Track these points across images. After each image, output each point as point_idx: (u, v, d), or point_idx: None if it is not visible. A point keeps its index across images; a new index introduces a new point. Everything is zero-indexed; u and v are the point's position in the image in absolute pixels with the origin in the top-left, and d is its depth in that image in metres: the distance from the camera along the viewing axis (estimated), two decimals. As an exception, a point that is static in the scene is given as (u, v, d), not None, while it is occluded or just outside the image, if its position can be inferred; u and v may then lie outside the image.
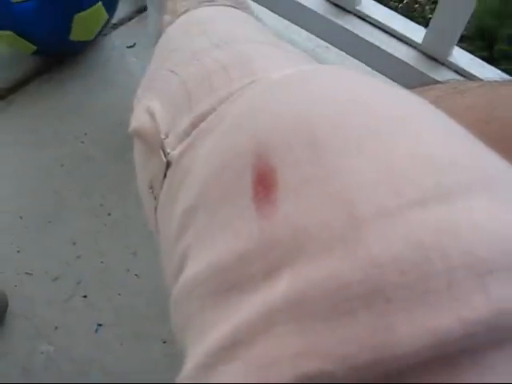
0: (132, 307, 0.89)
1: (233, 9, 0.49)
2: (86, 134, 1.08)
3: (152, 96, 0.38)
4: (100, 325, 0.87)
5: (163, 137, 0.34)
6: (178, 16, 0.49)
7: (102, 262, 0.93)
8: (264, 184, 0.22)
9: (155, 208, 0.35)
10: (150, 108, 0.36)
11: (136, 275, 0.92)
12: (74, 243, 0.94)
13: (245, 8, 0.51)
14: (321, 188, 0.21)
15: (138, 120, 0.37)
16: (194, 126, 0.32)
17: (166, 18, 0.53)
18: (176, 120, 0.34)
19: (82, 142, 1.07)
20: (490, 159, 0.23)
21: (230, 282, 0.22)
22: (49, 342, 0.85)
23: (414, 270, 0.18)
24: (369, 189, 0.20)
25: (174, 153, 0.32)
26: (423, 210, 0.19)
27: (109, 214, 0.98)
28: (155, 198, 0.35)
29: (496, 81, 0.52)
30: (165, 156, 0.33)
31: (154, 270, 0.92)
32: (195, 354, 0.23)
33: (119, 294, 0.90)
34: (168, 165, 0.33)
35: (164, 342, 0.85)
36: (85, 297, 0.89)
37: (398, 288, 0.18)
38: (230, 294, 0.22)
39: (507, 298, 0.18)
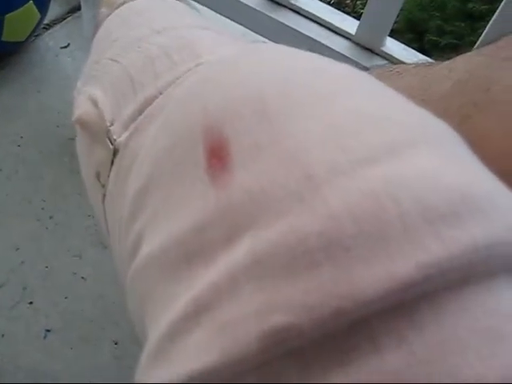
0: (80, 311, 0.87)
1: None
2: (21, 137, 1.05)
3: (94, 85, 0.38)
4: (48, 330, 0.85)
5: (108, 124, 0.33)
6: (116, 8, 0.48)
7: (46, 267, 0.91)
8: (217, 154, 0.23)
9: (103, 196, 0.35)
10: (92, 96, 0.36)
11: (82, 278, 0.90)
12: (17, 249, 0.92)
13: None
14: (274, 151, 0.21)
15: (81, 108, 0.36)
16: (140, 111, 0.32)
17: (103, 11, 0.52)
18: (121, 107, 0.33)
19: (19, 146, 1.04)
20: (426, 116, 0.24)
21: (190, 252, 0.22)
22: (-5, 351, 0.83)
23: (369, 218, 0.19)
24: (319, 147, 0.21)
25: (120, 139, 0.32)
26: (373, 166, 0.20)
27: (50, 217, 0.96)
28: (103, 186, 0.35)
29: (429, 62, 0.54)
30: (111, 143, 0.33)
31: (101, 271, 0.91)
32: (158, 326, 0.23)
33: (66, 298, 0.88)
34: (115, 152, 0.33)
35: (115, 344, 0.84)
36: (31, 303, 0.87)
37: (356, 237, 0.18)
38: (190, 264, 0.22)
39: (457, 241, 0.18)
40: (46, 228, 0.95)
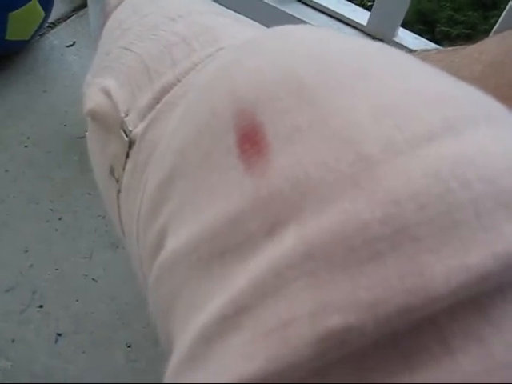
0: (91, 314, 0.85)
1: None
2: (28, 137, 1.03)
3: (106, 76, 0.35)
4: (59, 334, 0.83)
5: (123, 115, 0.31)
6: None
7: (56, 269, 0.89)
8: (251, 140, 0.20)
9: (118, 192, 0.33)
10: (105, 87, 0.34)
11: (93, 280, 0.88)
12: (26, 251, 0.90)
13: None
14: (317, 131, 0.19)
15: (93, 100, 0.34)
16: (158, 99, 0.30)
17: (111, 1, 0.50)
18: (136, 97, 0.31)
19: (26, 146, 1.02)
20: (478, 93, 0.22)
21: (224, 246, 0.20)
22: (6, 357, 0.81)
23: (436, 202, 0.16)
24: (371, 125, 0.18)
25: (136, 130, 0.30)
26: (434, 145, 0.18)
27: (59, 219, 0.94)
28: (117, 181, 0.32)
29: (452, 48, 0.51)
30: (126, 135, 0.31)
31: (112, 273, 0.89)
32: (188, 332, 0.20)
33: (77, 301, 0.86)
34: (131, 144, 0.30)
35: (129, 347, 0.82)
36: (41, 306, 0.85)
37: (423, 224, 0.16)
38: (224, 260, 0.20)
39: None
40: (56, 230, 0.93)
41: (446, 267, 0.16)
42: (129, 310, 0.85)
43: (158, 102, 0.30)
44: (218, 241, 0.20)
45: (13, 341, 0.82)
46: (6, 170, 0.99)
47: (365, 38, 1.07)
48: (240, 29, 0.34)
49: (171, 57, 0.31)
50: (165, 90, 0.30)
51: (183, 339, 0.21)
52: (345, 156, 0.18)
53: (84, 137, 0.40)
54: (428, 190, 0.16)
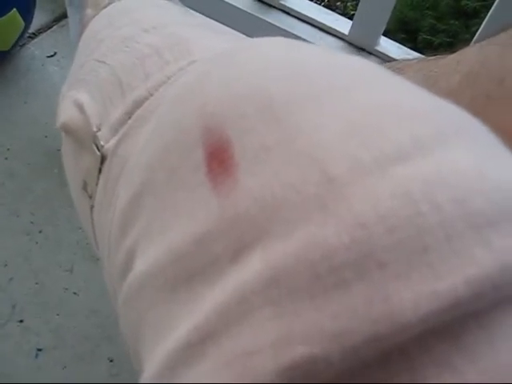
0: (73, 328, 0.84)
1: None
2: (8, 149, 1.02)
3: (79, 89, 0.35)
4: (40, 349, 0.82)
5: (95, 130, 0.31)
6: (102, 9, 0.46)
7: (36, 283, 0.87)
8: (218, 158, 0.20)
9: (91, 208, 0.32)
10: (78, 100, 0.33)
11: (75, 293, 0.87)
12: (6, 265, 0.88)
13: (169, -2, 0.49)
14: (284, 151, 0.18)
15: (66, 114, 0.33)
16: (129, 114, 0.29)
17: (89, 12, 0.50)
18: (108, 111, 0.31)
19: (6, 158, 1.01)
20: (451, 108, 0.21)
21: (191, 269, 0.19)
22: (-15, 373, 0.79)
23: (405, 225, 0.16)
24: (338, 144, 0.18)
25: (108, 145, 0.29)
26: (403, 164, 0.17)
27: (40, 231, 0.92)
28: (90, 197, 0.32)
29: (432, 57, 0.51)
30: (98, 150, 0.30)
31: (94, 286, 0.87)
32: (155, 357, 0.20)
33: (58, 315, 0.85)
34: (103, 159, 0.30)
35: (111, 361, 0.81)
36: (21, 321, 0.84)
37: (391, 249, 0.15)
38: (191, 284, 0.19)
39: (510, 250, 0.15)
40: (36, 243, 0.91)
41: (415, 294, 0.15)
42: (111, 323, 0.84)
43: (129, 117, 0.29)
44: (183, 263, 0.19)
45: (-8, 357, 0.80)
46: (-15, 183, 0.97)
47: (347, 47, 1.07)
48: (216, 41, 0.33)
49: (144, 69, 0.31)
50: (137, 105, 0.29)
51: (150, 365, 0.20)
52: (311, 177, 0.17)
53: (64, 149, 0.40)
54: (397, 212, 0.16)
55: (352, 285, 0.15)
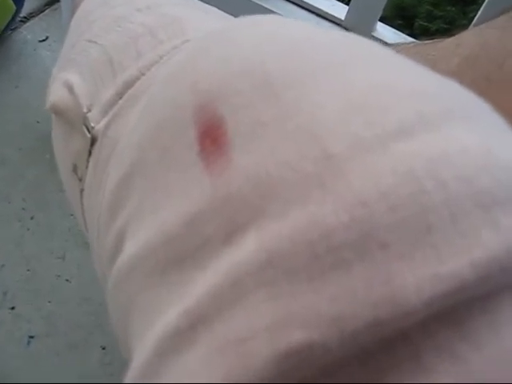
0: (65, 315, 0.83)
1: None
2: None
3: (70, 70, 0.34)
4: (31, 337, 0.81)
5: (85, 111, 0.30)
6: None
7: (28, 270, 0.86)
8: (211, 136, 0.19)
9: (81, 191, 0.31)
10: (68, 81, 0.32)
11: (67, 280, 0.86)
12: (-4, 252, 0.88)
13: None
14: (281, 128, 0.17)
15: (56, 95, 0.33)
16: (120, 94, 0.28)
17: (80, -8, 0.49)
18: (99, 91, 0.30)
19: (-3, 144, 1.00)
20: (454, 85, 0.20)
21: (182, 251, 0.18)
22: (-24, 360, 0.79)
23: (408, 204, 0.15)
24: (338, 122, 0.17)
25: (98, 126, 0.29)
26: (406, 141, 0.16)
27: (31, 218, 0.91)
28: (80, 180, 0.31)
29: (430, 41, 0.50)
30: (89, 131, 0.29)
31: (86, 273, 0.87)
32: (144, 344, 0.19)
33: (50, 302, 0.84)
34: (93, 141, 0.29)
35: (103, 349, 0.80)
36: (12, 308, 0.83)
37: (394, 228, 0.15)
38: (182, 266, 0.18)
39: None
40: (28, 229, 0.90)
41: (418, 277, 0.14)
42: (103, 311, 0.83)
43: (120, 97, 0.28)
44: (174, 245, 0.19)
45: (-17, 344, 0.80)
46: (-24, 169, 0.96)
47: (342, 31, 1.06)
48: (210, 21, 0.33)
49: (136, 49, 0.30)
50: (128, 85, 0.28)
51: (139, 352, 0.19)
52: (309, 154, 0.16)
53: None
54: (399, 189, 0.15)
55: (352, 266, 0.15)
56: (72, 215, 0.91)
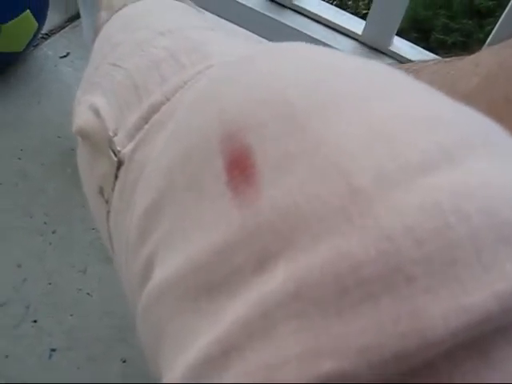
0: (86, 328, 0.84)
1: (172, 0, 0.46)
2: (22, 149, 1.02)
3: (94, 93, 0.35)
4: (53, 350, 0.82)
5: (111, 134, 0.31)
6: (116, 11, 0.45)
7: (50, 284, 0.87)
8: (239, 166, 0.19)
9: (107, 213, 0.32)
10: (93, 105, 0.33)
11: (88, 294, 0.87)
12: (19, 266, 0.89)
13: (183, 0, 0.49)
14: (308, 160, 0.18)
15: (81, 118, 0.33)
16: (146, 119, 0.29)
17: (103, 14, 0.49)
18: (124, 115, 0.30)
19: (19, 159, 1.01)
20: (475, 114, 0.21)
21: (212, 280, 0.19)
22: (-1, 373, 0.80)
23: (433, 238, 0.15)
24: (362, 154, 0.17)
25: (125, 150, 0.29)
26: (430, 174, 0.17)
27: (53, 232, 0.93)
28: (107, 202, 0.31)
29: (449, 57, 0.51)
30: (115, 155, 0.30)
31: (107, 287, 0.88)
32: (174, 368, 0.19)
33: (71, 316, 0.85)
34: (119, 164, 0.30)
35: (124, 362, 0.81)
36: (35, 321, 0.84)
37: (420, 262, 0.15)
38: (212, 294, 0.19)
39: None
40: (49, 243, 0.92)
41: (444, 309, 0.15)
42: (124, 324, 0.84)
43: (146, 122, 0.29)
44: (204, 273, 0.19)
45: (6, 357, 0.80)
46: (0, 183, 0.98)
47: (360, 47, 1.06)
48: (232, 45, 0.33)
49: (160, 73, 0.30)
50: (153, 109, 0.29)
51: (170, 376, 0.20)
52: (336, 188, 0.17)
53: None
54: (424, 224, 0.16)
55: (379, 299, 0.15)
56: (93, 229, 0.92)
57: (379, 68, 0.23)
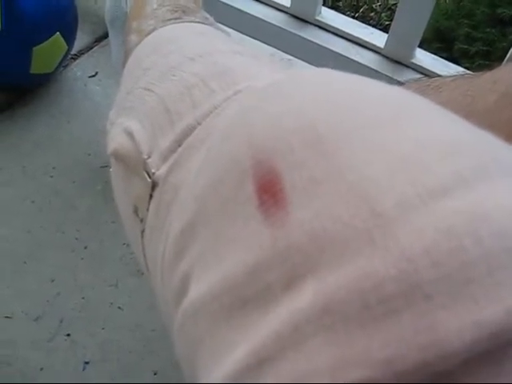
0: (118, 341, 0.86)
1: (200, 24, 0.48)
2: (54, 167, 1.05)
3: (128, 116, 0.36)
4: (87, 362, 0.84)
5: (145, 157, 0.32)
6: (145, 35, 0.47)
7: (83, 298, 0.90)
8: (269, 190, 0.21)
9: (142, 232, 0.33)
10: (127, 128, 0.35)
11: (119, 307, 0.89)
12: (53, 280, 0.91)
13: (211, 24, 0.50)
14: (333, 186, 0.19)
15: (116, 141, 0.35)
16: (179, 142, 0.30)
17: (132, 38, 0.51)
18: (158, 138, 0.32)
19: (51, 177, 1.04)
20: (492, 139, 0.22)
21: (245, 297, 0.20)
22: (35, 386, 0.82)
23: (449, 260, 0.17)
24: (384, 180, 0.19)
25: (159, 172, 0.31)
26: (446, 199, 0.18)
27: (85, 248, 0.95)
28: (141, 221, 0.33)
29: (467, 73, 0.52)
30: (149, 176, 0.32)
31: (138, 300, 0.90)
32: (212, 379, 0.21)
33: (103, 329, 0.87)
34: (154, 185, 0.31)
35: (155, 374, 0.83)
36: (68, 335, 0.86)
37: (436, 281, 0.17)
38: (246, 310, 0.20)
39: None
40: (81, 258, 0.94)
41: (459, 324, 0.16)
42: (155, 337, 0.86)
43: (179, 145, 0.30)
44: (238, 291, 0.21)
45: (41, 369, 0.83)
46: (33, 201, 1.01)
47: (383, 60, 1.07)
48: (259, 69, 0.34)
49: (191, 98, 0.32)
50: (186, 133, 0.30)
51: None
52: (360, 212, 0.18)
53: (107, 166, 0.41)
54: (440, 246, 0.17)
55: (400, 314, 0.16)
56: (124, 244, 0.94)
57: (402, 95, 0.24)
